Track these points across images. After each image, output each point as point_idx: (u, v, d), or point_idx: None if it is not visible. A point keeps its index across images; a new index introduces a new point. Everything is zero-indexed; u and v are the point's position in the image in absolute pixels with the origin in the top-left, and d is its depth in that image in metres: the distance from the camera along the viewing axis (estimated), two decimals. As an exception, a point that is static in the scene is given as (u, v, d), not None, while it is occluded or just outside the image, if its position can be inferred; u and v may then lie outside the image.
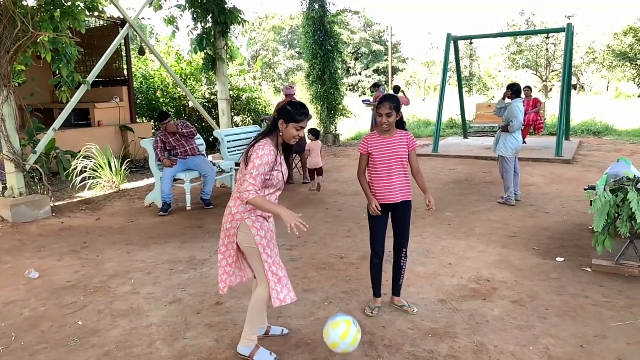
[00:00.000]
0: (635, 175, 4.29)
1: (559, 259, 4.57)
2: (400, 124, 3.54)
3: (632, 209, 3.87)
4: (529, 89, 11.61)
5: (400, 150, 3.45)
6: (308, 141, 8.17)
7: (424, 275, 4.28)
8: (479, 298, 3.82)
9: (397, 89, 13.09)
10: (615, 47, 19.43)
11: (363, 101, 15.56)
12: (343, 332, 2.74)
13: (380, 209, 3.42)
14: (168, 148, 6.74)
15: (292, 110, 2.85)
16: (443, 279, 4.20)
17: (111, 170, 8.07)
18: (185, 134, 6.71)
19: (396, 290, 3.69)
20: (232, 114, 12.61)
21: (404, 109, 12.76)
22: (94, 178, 7.92)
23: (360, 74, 43.12)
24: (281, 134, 2.88)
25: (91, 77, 7.55)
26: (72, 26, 6.63)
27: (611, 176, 4.46)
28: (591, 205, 4.28)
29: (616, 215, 4.09)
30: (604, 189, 4.24)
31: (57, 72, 6.76)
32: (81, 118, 10.83)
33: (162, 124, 6.60)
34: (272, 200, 2.95)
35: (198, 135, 7.08)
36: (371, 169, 3.52)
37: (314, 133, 8.26)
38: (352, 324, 2.78)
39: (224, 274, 3.05)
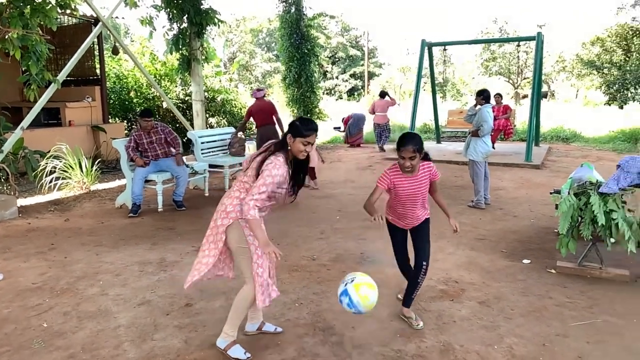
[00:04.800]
0: (597, 180, 4.43)
1: (526, 261, 4.69)
2: (426, 155, 3.37)
3: (593, 212, 4.00)
4: (499, 96, 11.88)
5: (424, 187, 3.35)
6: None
7: (393, 276, 4.31)
8: (447, 299, 3.89)
9: (383, 94, 13.24)
10: (584, 56, 20.03)
11: (334, 128, 15.56)
12: (365, 302, 2.73)
13: (382, 220, 3.16)
14: (140, 149, 6.65)
15: (300, 125, 2.87)
16: (413, 280, 4.25)
17: (81, 171, 7.93)
18: (169, 140, 6.71)
19: (407, 301, 3.52)
20: (207, 116, 12.54)
21: (390, 111, 12.99)
22: (63, 178, 7.76)
23: (337, 77, 43.33)
24: (289, 147, 2.90)
25: (61, 76, 7.42)
26: (42, 23, 6.50)
27: (575, 180, 4.60)
28: (556, 208, 4.41)
29: (579, 218, 4.22)
30: (568, 193, 4.37)
31: (26, 69, 6.62)
32: (51, 117, 10.61)
33: (144, 119, 6.52)
34: (266, 213, 3.02)
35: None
36: (393, 199, 3.42)
37: None
38: (352, 291, 2.73)
39: (194, 270, 3.03)
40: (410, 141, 3.17)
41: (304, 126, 2.87)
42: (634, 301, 3.79)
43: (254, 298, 2.93)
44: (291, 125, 2.94)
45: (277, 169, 2.79)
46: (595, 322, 3.47)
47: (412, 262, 3.58)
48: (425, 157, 3.36)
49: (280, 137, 8.27)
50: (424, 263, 3.40)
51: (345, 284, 2.78)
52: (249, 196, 2.75)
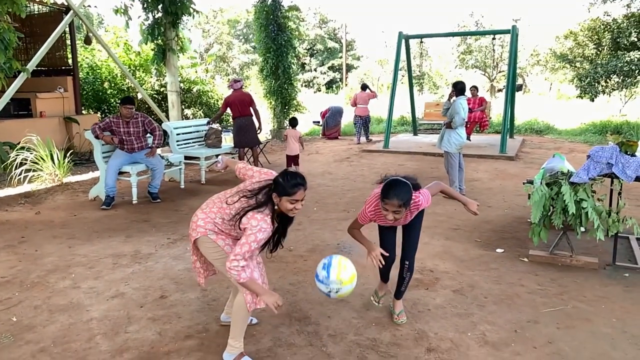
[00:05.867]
0: (568, 170, 4.53)
1: (499, 250, 4.77)
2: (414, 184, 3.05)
3: (564, 201, 4.08)
4: (475, 88, 12.01)
5: (408, 219, 3.12)
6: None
7: (370, 266, 4.34)
8: (422, 288, 3.93)
9: (364, 87, 13.30)
10: (557, 50, 20.39)
11: (314, 122, 15.74)
12: (340, 273, 2.60)
13: (383, 262, 3.07)
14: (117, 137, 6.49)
15: (284, 183, 2.61)
16: (388, 270, 4.29)
17: (53, 163, 7.74)
18: (148, 130, 6.58)
19: (396, 294, 3.42)
20: (183, 107, 12.38)
21: (372, 103, 13.08)
22: (34, 170, 7.57)
23: (315, 70, 43.21)
24: (276, 207, 2.70)
25: (31, 65, 7.23)
26: (10, 10, 6.32)
27: (547, 170, 4.69)
28: (529, 198, 4.49)
29: (551, 207, 4.30)
30: (541, 183, 4.45)
31: (-7, 58, 6.42)
32: (22, 108, 10.32)
33: (125, 106, 6.36)
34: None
35: (149, 134, 6.87)
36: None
37: (292, 121, 8.61)
38: (337, 258, 2.65)
39: (195, 270, 3.08)
40: (396, 195, 2.80)
41: (289, 183, 2.61)
42: (602, 288, 3.89)
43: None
44: (275, 182, 2.68)
45: (260, 232, 2.58)
46: (565, 308, 3.55)
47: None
48: (415, 187, 3.01)
49: (257, 128, 8.32)
50: (407, 262, 3.30)
51: (329, 291, 2.66)
52: (234, 257, 2.55)
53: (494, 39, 15.38)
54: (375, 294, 3.51)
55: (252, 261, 2.83)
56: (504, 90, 11.87)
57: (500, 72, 30.47)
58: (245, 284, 2.64)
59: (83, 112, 11.53)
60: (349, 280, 2.62)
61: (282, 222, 2.84)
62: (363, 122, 13.02)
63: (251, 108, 8.28)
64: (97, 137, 6.39)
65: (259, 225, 2.59)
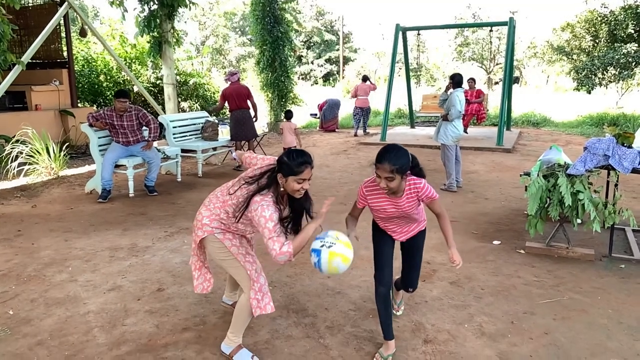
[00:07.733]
0: (565, 162, 4.53)
1: (496, 242, 4.78)
2: (417, 170, 2.80)
3: (561, 193, 4.09)
4: (472, 80, 11.99)
5: (410, 208, 2.77)
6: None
7: (367, 258, 4.34)
8: (419, 280, 3.92)
9: (365, 78, 13.29)
10: (554, 42, 20.39)
11: (311, 114, 15.75)
12: (331, 271, 2.52)
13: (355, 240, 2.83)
14: (111, 129, 6.45)
15: (289, 162, 2.50)
16: (385, 262, 4.29)
17: (49, 156, 7.71)
18: (143, 123, 6.50)
19: (396, 285, 3.30)
20: (179, 100, 12.33)
21: (372, 95, 13.07)
22: (30, 164, 7.54)
23: (312, 62, 43.03)
24: (282, 188, 2.60)
25: (26, 57, 7.18)
26: (4, 2, 6.26)
27: (544, 162, 4.69)
28: (526, 190, 4.49)
29: (548, 199, 4.31)
30: (538, 175, 4.46)
31: (-12, 50, 6.37)
32: (17, 101, 10.26)
33: (118, 100, 6.28)
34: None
35: (145, 127, 6.81)
36: (373, 214, 2.96)
37: (287, 114, 8.65)
38: (325, 256, 2.49)
39: (196, 277, 3.00)
40: (388, 158, 2.52)
41: (294, 162, 2.49)
42: (598, 279, 3.91)
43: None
44: (280, 162, 2.55)
45: (265, 209, 2.48)
46: (562, 299, 3.56)
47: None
48: (417, 172, 2.77)
49: (254, 119, 8.30)
50: (411, 289, 3.15)
51: (322, 245, 2.51)
52: (275, 246, 2.44)
53: (491, 31, 15.32)
54: (380, 355, 2.86)
55: (242, 247, 2.81)
56: (501, 83, 11.85)
57: (497, 64, 30.44)
58: (297, 247, 2.51)
59: (79, 105, 11.45)
60: (345, 243, 2.52)
61: (296, 206, 2.71)
62: (363, 114, 13.01)
63: (249, 101, 8.26)
64: (90, 125, 6.35)
65: (260, 204, 2.50)
